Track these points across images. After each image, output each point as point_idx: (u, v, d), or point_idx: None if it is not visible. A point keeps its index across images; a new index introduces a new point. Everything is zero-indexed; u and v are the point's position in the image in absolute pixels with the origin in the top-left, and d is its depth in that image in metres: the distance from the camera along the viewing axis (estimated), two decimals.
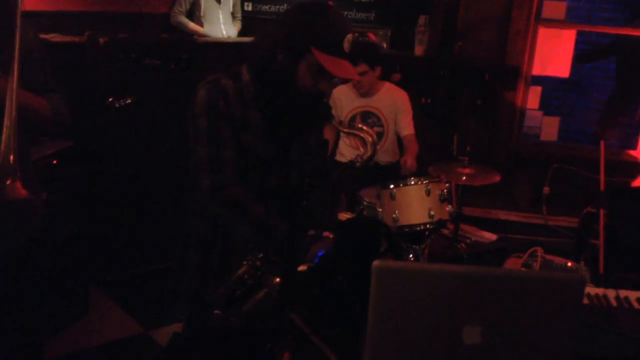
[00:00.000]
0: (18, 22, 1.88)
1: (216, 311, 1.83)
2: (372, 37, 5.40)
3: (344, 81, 4.00)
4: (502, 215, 5.35)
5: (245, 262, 1.86)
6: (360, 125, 1.90)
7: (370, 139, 1.84)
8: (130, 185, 3.97)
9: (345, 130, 1.93)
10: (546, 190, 5.28)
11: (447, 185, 3.55)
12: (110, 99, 3.91)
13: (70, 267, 3.44)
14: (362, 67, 3.97)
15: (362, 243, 1.90)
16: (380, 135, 4.17)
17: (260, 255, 1.84)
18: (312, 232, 1.76)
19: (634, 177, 5.03)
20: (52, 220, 2.30)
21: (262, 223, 1.91)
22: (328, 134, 3.87)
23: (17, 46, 1.86)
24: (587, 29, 5.54)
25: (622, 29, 5.49)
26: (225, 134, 1.98)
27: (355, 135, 1.89)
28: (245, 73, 2.06)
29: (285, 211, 1.92)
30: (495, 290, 1.45)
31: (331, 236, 1.89)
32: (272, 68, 1.98)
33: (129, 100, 3.91)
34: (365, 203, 3.74)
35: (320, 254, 1.82)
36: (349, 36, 1.94)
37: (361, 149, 1.84)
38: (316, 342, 1.67)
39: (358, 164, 1.81)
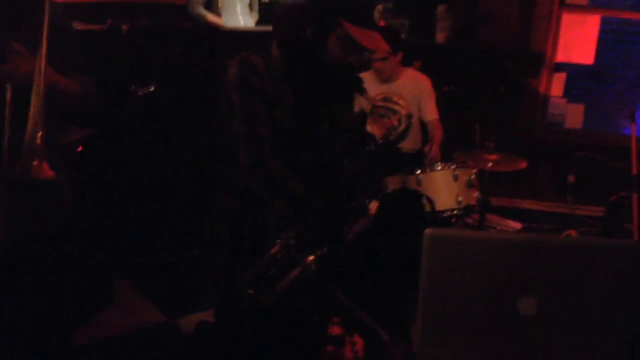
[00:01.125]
0: (47, 4, 1.87)
1: (249, 290, 1.80)
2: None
3: (375, 58, 3.94)
4: (526, 204, 5.28)
5: (278, 241, 1.83)
6: (391, 98, 1.86)
7: (404, 111, 1.80)
8: (152, 173, 3.96)
9: (379, 103, 1.89)
10: (571, 178, 5.20)
11: (474, 171, 3.50)
12: (133, 87, 3.90)
13: (96, 255, 3.43)
14: (383, 53, 3.92)
15: (405, 216, 1.86)
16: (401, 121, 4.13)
17: (295, 233, 1.80)
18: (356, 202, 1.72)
19: None
20: (78, 206, 2.29)
21: (300, 199, 1.89)
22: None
23: (45, 26, 1.86)
24: (612, 14, 5.44)
25: None
26: (260, 110, 1.95)
27: (387, 108, 1.85)
28: (275, 49, 2.03)
29: (321, 187, 1.89)
30: (552, 259, 1.40)
31: (374, 210, 1.85)
32: (301, 42, 1.95)
33: (152, 88, 3.90)
34: (389, 191, 3.70)
35: (359, 230, 1.79)
36: (379, 7, 1.90)
37: (393, 122, 1.80)
38: (363, 318, 1.63)
39: (392, 137, 1.77)
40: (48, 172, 1.83)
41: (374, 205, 1.97)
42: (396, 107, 1.85)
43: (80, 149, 3.18)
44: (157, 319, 3.48)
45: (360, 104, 4.13)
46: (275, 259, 1.81)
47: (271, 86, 1.99)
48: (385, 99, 1.86)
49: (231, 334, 2.03)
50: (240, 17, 5.69)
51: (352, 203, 1.73)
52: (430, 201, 1.86)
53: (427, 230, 1.34)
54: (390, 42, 3.99)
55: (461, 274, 1.39)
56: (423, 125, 4.24)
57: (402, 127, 1.81)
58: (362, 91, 1.94)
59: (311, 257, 1.75)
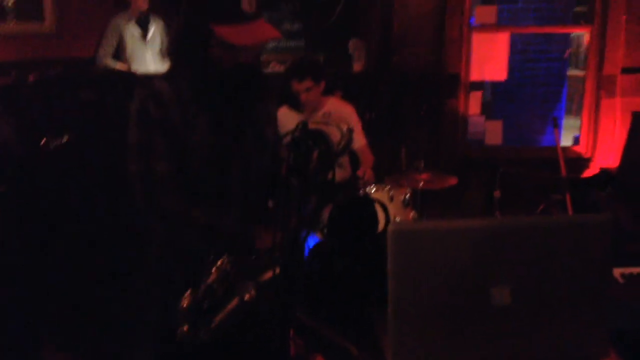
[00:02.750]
0: None
1: (184, 327, 1.66)
2: None
3: (299, 90, 3.87)
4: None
5: (214, 270, 1.70)
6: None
7: (344, 126, 1.73)
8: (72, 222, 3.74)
9: (319, 119, 1.82)
10: (497, 193, 5.29)
11: (409, 190, 3.48)
12: (44, 140, 3.70)
13: (17, 322, 3.18)
14: (307, 83, 3.90)
15: (359, 223, 1.78)
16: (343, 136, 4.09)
17: (231, 259, 1.68)
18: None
19: (582, 171, 5.10)
20: None
21: (208, 228, 1.78)
22: (290, 119, 3.73)
23: None
24: (519, 30, 5.66)
25: (552, 28, 5.64)
26: (158, 144, 1.83)
27: (327, 124, 1.78)
28: (175, 70, 1.93)
29: (249, 205, 1.79)
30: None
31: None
32: (195, 60, 1.85)
33: (65, 139, 3.71)
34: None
35: (312, 244, 1.69)
36: None
37: (335, 137, 1.72)
38: (326, 334, 1.53)
39: (326, 151, 1.68)
40: None
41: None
42: (335, 124, 1.77)
43: None
44: None
45: (292, 119, 4.07)
46: (211, 289, 1.68)
47: (179, 111, 1.87)
48: (324, 115, 1.80)
49: None
50: (151, 65, 5.59)
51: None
52: (383, 205, 1.79)
53: (391, 227, 1.27)
54: (313, 72, 3.99)
55: (430, 268, 1.33)
56: (351, 154, 4.22)
57: (343, 142, 1.73)
58: (300, 107, 1.87)
59: (250, 285, 1.63)
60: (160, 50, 5.69)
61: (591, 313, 1.48)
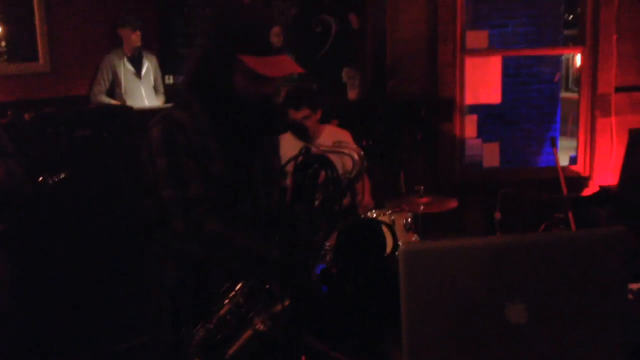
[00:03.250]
0: None
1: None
2: None
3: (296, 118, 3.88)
4: None
5: (227, 301, 1.67)
6: (323, 128, 1.79)
7: (356, 155, 1.71)
8: (74, 264, 3.70)
9: (329, 149, 1.79)
10: (497, 215, 5.28)
11: (410, 214, 3.46)
12: (41, 177, 3.68)
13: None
14: (304, 112, 3.90)
15: (367, 245, 1.75)
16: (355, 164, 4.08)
17: (244, 290, 1.66)
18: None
19: (581, 190, 5.10)
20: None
21: (250, 252, 1.75)
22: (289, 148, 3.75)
23: None
24: (511, 53, 5.70)
25: (545, 50, 5.69)
26: (189, 168, 1.82)
27: (339, 153, 1.76)
28: (194, 102, 1.92)
29: (266, 237, 1.77)
30: (535, 258, 1.33)
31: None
32: (214, 88, 1.85)
33: (63, 175, 3.69)
34: (327, 247, 3.60)
35: (320, 268, 1.66)
36: (276, 29, 1.83)
37: (347, 166, 1.70)
38: (338, 357, 1.49)
39: (346, 180, 1.67)
40: None
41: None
42: (347, 152, 1.75)
43: None
44: None
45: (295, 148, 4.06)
46: (224, 320, 1.65)
47: (199, 139, 1.88)
48: (335, 144, 1.78)
49: None
50: (146, 101, 5.61)
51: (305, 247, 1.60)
52: (390, 227, 1.77)
53: (402, 247, 1.25)
54: (310, 101, 4.00)
55: (443, 288, 1.30)
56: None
57: (357, 169, 1.72)
58: (306, 137, 1.86)
59: (263, 316, 1.60)
60: (154, 86, 5.72)
61: (608, 328, 1.45)
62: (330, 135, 4.16)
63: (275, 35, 1.80)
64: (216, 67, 1.85)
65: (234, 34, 1.82)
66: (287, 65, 1.87)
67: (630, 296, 2.17)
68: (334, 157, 1.73)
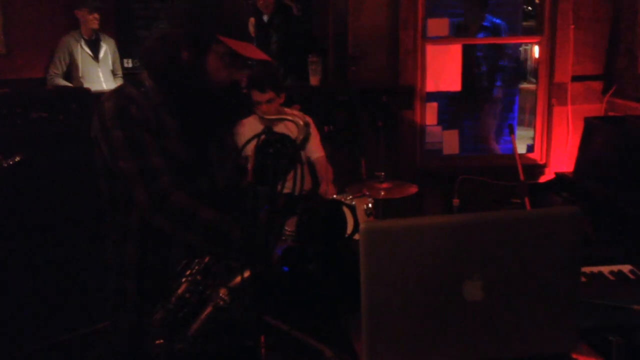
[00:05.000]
0: None
1: (157, 341, 1.60)
2: None
3: (259, 100, 3.86)
4: None
5: (184, 280, 1.65)
6: (285, 110, 1.79)
7: (301, 121, 1.72)
8: (30, 248, 3.63)
9: (273, 117, 1.80)
10: (456, 202, 5.34)
11: (370, 199, 3.48)
12: None
13: None
14: (269, 94, 3.89)
15: (329, 225, 1.76)
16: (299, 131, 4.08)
17: (201, 267, 1.64)
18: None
19: (537, 178, 5.20)
20: None
21: (214, 228, 1.74)
22: (249, 130, 3.74)
23: None
24: (471, 42, 5.76)
25: (504, 39, 5.76)
26: (147, 140, 1.80)
27: (283, 120, 1.77)
28: (147, 79, 1.90)
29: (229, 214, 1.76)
30: (492, 238, 1.36)
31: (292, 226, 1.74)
32: (178, 69, 1.84)
33: (18, 158, 3.60)
34: (287, 233, 3.59)
35: (280, 250, 1.66)
36: (252, 20, 1.86)
37: (293, 131, 1.71)
38: (299, 337, 1.49)
39: (291, 150, 1.66)
40: None
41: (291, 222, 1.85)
42: (292, 118, 1.75)
43: None
44: None
45: (251, 127, 4.05)
46: (183, 299, 1.63)
47: (153, 114, 1.86)
48: (279, 112, 1.80)
49: None
50: (104, 85, 5.52)
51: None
52: (351, 207, 1.78)
53: (362, 225, 1.26)
54: (275, 84, 3.99)
55: (402, 266, 1.31)
56: (311, 166, 4.22)
57: (302, 136, 1.72)
58: (254, 106, 1.88)
59: (223, 291, 1.59)
60: (113, 69, 5.63)
61: (562, 306, 1.48)
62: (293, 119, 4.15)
63: (251, 25, 1.83)
64: (192, 46, 1.84)
65: (218, 14, 1.83)
66: (258, 53, 1.90)
67: (583, 279, 2.22)
68: (280, 127, 1.73)
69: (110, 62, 5.63)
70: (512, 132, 3.75)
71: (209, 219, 1.75)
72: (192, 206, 1.77)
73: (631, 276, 2.25)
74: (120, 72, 5.74)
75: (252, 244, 1.49)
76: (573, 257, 1.46)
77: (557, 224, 1.43)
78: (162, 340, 1.58)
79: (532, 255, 1.42)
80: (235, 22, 1.83)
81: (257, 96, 3.74)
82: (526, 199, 3.34)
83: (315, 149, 4.12)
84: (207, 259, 1.65)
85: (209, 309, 1.59)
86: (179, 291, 1.62)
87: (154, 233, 1.83)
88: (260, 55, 1.88)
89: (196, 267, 1.65)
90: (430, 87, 5.30)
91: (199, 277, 1.62)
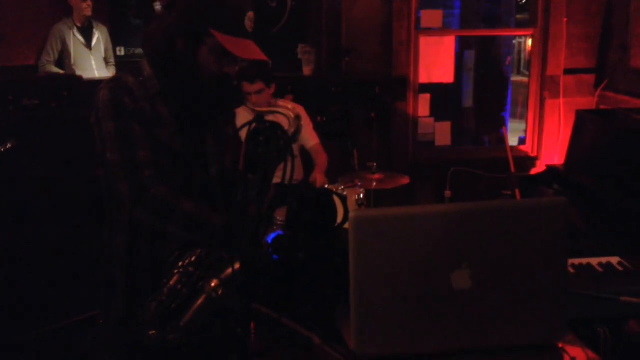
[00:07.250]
0: None
1: (151, 332, 1.61)
2: None
3: (249, 91, 3.86)
4: None
5: (176, 271, 1.66)
6: (277, 101, 1.80)
7: (292, 114, 1.72)
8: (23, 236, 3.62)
9: (264, 109, 1.81)
10: (448, 194, 5.36)
11: (362, 190, 3.49)
12: None
13: None
14: (259, 85, 3.89)
15: (319, 214, 1.76)
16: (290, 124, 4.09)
17: (193, 259, 1.65)
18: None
19: (529, 170, 5.22)
20: None
21: (194, 220, 1.75)
22: (239, 121, 3.75)
23: None
24: (465, 33, 5.76)
25: (497, 31, 5.76)
26: (137, 132, 1.80)
27: (274, 113, 1.77)
28: (146, 67, 1.90)
29: (214, 206, 1.77)
30: (481, 227, 1.37)
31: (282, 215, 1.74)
32: (173, 57, 1.84)
33: (10, 145, 3.59)
34: (279, 222, 3.60)
35: (271, 237, 1.67)
36: (250, 14, 1.84)
37: (284, 124, 1.71)
38: (289, 325, 1.51)
39: (282, 142, 1.67)
40: None
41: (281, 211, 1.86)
42: (283, 111, 1.76)
43: None
44: None
45: (241, 118, 4.06)
46: (175, 290, 1.64)
47: (149, 105, 1.86)
48: (270, 105, 1.80)
49: None
50: (96, 72, 5.50)
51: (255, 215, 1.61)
52: (342, 197, 1.78)
53: (352, 214, 1.27)
54: (265, 75, 3.99)
55: (391, 254, 1.33)
56: (304, 156, 4.22)
57: (292, 129, 1.73)
58: (243, 100, 1.88)
59: (215, 282, 1.60)
60: (105, 57, 5.61)
61: (550, 296, 1.50)
62: (284, 109, 4.15)
63: (249, 20, 1.82)
64: (184, 37, 1.83)
65: (213, 7, 1.82)
66: (254, 50, 1.87)
67: (572, 270, 2.24)
68: (271, 119, 1.74)
69: (102, 49, 5.61)
70: (504, 124, 3.77)
71: (188, 210, 1.77)
72: (172, 199, 1.78)
73: (619, 268, 2.27)
74: (112, 60, 5.72)
75: (237, 233, 1.50)
76: (561, 247, 1.47)
77: (545, 214, 1.44)
78: (154, 332, 1.59)
79: (520, 245, 1.44)
80: (231, 17, 1.82)
81: (247, 87, 3.76)
82: (517, 191, 3.35)
83: (309, 137, 4.13)
84: (199, 251, 1.66)
85: (201, 300, 1.60)
86: (171, 283, 1.63)
87: (144, 224, 1.84)
88: (253, 54, 1.86)
89: (189, 259, 1.66)
90: (424, 78, 5.31)
91: (190, 269, 1.63)
